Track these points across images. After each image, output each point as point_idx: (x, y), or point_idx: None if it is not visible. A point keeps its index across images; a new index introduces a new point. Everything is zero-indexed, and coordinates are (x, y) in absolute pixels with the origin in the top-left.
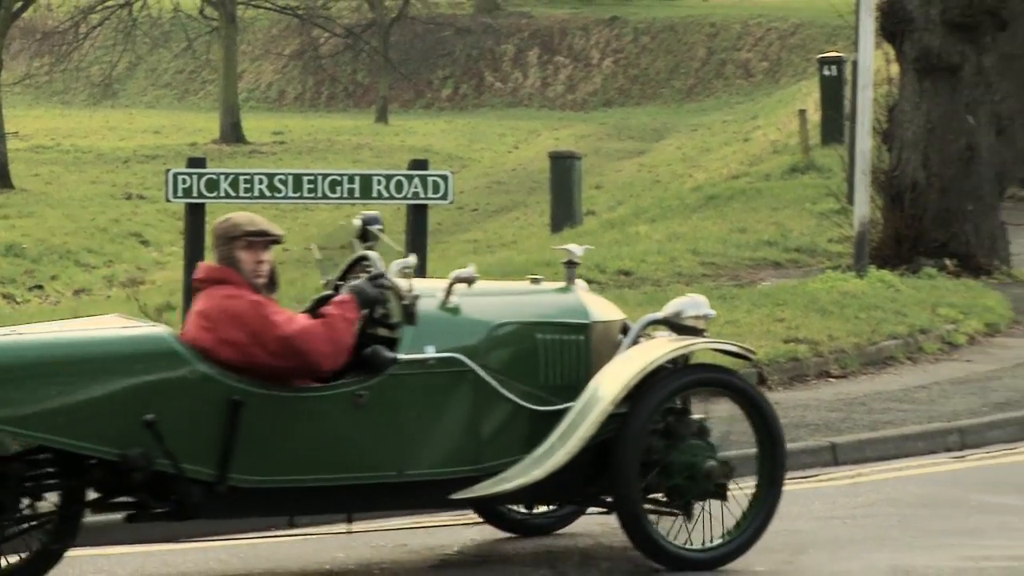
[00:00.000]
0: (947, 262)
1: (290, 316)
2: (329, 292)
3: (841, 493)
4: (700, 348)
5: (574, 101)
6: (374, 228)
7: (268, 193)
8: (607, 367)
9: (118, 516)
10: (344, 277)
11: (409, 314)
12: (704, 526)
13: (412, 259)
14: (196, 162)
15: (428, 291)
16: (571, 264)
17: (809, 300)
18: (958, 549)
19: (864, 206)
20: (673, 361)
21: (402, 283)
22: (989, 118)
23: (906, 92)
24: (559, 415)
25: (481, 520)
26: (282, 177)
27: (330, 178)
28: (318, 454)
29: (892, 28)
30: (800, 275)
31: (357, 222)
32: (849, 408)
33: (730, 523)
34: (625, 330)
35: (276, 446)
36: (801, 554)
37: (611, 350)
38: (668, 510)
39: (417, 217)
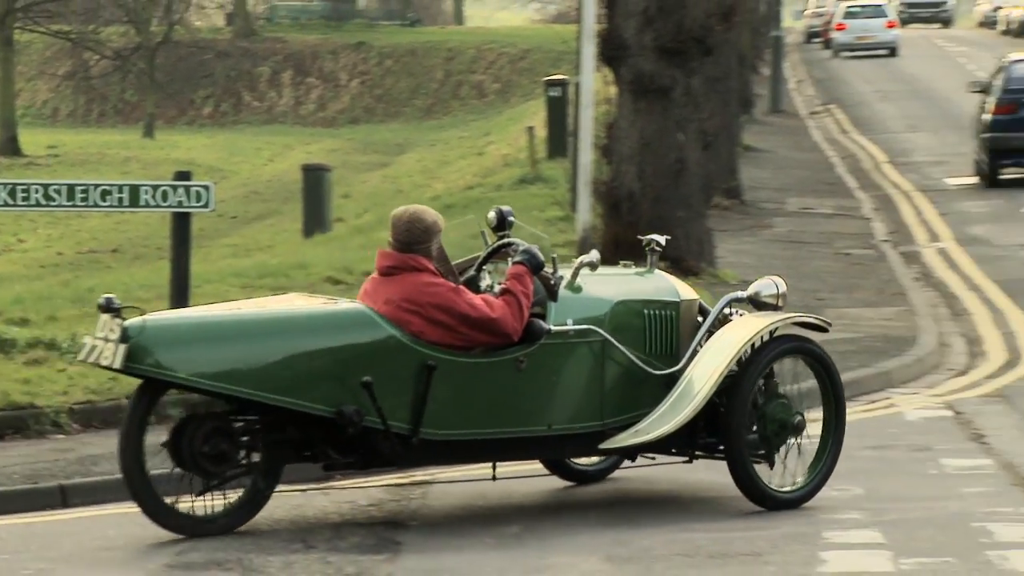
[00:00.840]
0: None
1: (484, 299)
2: (471, 275)
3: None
4: (793, 321)
5: (324, 118)
6: (511, 218)
7: (44, 202)
8: (718, 335)
9: None
10: (485, 263)
11: (553, 292)
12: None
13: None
14: None
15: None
16: (653, 252)
17: None
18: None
19: (586, 214)
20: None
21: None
22: (697, 135)
23: (623, 111)
24: (662, 378)
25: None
26: (57, 187)
27: (101, 188)
28: (488, 411)
29: (610, 54)
30: None
31: (492, 214)
32: None
33: (800, 468)
34: (701, 310)
35: (457, 404)
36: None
37: (691, 325)
38: (756, 458)
39: (181, 224)
